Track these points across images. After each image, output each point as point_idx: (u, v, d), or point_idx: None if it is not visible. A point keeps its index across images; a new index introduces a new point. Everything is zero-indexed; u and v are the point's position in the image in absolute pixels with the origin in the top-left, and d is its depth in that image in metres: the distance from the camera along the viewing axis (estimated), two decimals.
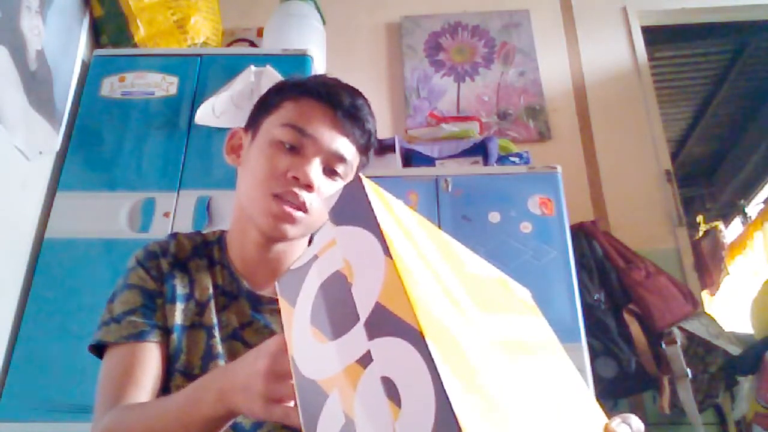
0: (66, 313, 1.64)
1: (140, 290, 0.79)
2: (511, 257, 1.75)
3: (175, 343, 0.77)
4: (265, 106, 0.83)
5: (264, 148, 0.79)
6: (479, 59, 2.72)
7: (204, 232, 0.90)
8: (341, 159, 0.79)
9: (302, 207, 0.76)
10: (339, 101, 0.79)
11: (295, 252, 0.85)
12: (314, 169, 0.76)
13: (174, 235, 0.86)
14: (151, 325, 0.76)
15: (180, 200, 1.80)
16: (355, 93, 0.82)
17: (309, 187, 0.76)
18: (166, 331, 0.77)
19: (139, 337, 0.75)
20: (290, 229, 0.77)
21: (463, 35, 2.78)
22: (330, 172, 0.79)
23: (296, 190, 0.75)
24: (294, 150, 0.77)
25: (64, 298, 1.66)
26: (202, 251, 0.85)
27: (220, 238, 0.87)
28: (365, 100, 0.83)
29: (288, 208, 0.75)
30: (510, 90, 2.63)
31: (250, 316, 0.81)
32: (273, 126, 0.79)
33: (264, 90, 1.97)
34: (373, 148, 0.86)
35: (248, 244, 0.82)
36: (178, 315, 0.79)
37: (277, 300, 0.81)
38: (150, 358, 0.74)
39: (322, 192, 0.77)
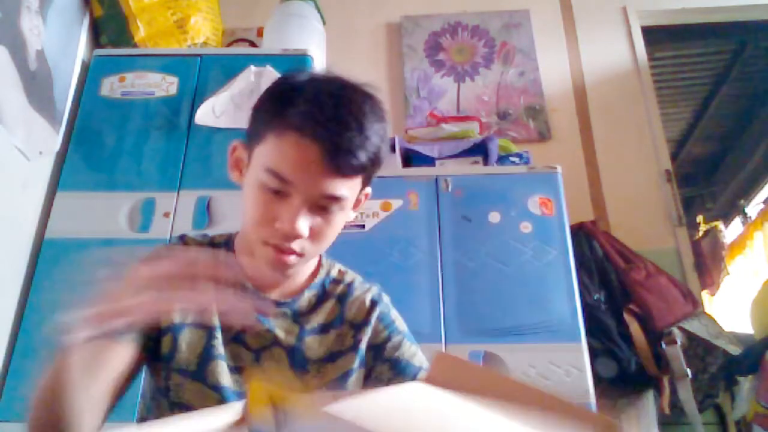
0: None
1: None
2: (511, 257, 1.75)
3: (172, 342, 0.78)
4: (255, 129, 0.77)
5: (252, 189, 0.75)
6: (479, 59, 2.72)
7: (212, 234, 0.90)
8: (332, 198, 0.73)
9: (294, 253, 0.74)
10: (324, 137, 0.69)
11: (304, 265, 0.85)
12: (301, 218, 0.71)
13: (182, 237, 0.88)
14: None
15: (180, 200, 1.80)
16: (348, 120, 0.70)
17: (297, 237, 0.72)
18: (144, 334, 0.74)
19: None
20: (286, 270, 0.78)
21: (463, 35, 2.78)
22: (322, 209, 0.74)
23: (289, 243, 0.73)
24: (280, 194, 0.72)
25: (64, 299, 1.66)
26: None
27: (228, 242, 0.88)
28: (363, 113, 0.71)
29: (281, 257, 0.74)
30: (510, 90, 2.63)
31: (254, 317, 0.81)
32: (259, 164, 0.73)
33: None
34: (379, 163, 0.77)
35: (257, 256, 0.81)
36: (176, 314, 0.79)
37: (281, 303, 0.83)
38: (118, 354, 0.71)
39: (315, 231, 0.74)
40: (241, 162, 0.80)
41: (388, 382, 0.84)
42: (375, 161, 0.75)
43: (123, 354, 0.72)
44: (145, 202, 1.80)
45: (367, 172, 0.76)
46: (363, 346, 0.86)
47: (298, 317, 0.85)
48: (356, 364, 0.85)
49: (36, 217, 1.79)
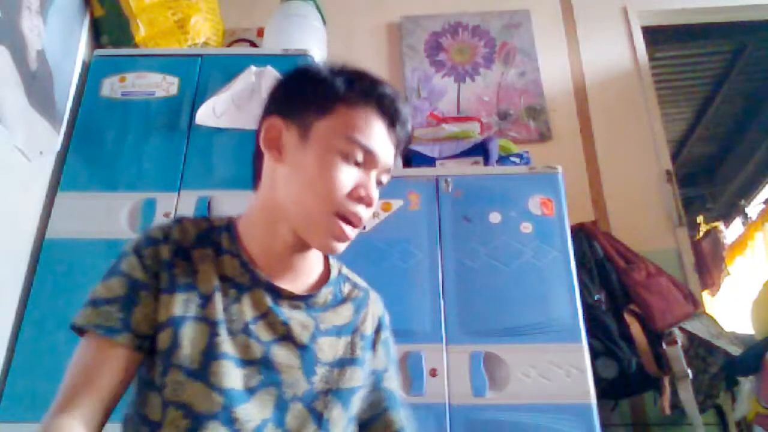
0: (66, 314, 1.62)
1: (126, 280, 0.76)
2: (511, 257, 1.75)
3: (172, 337, 0.73)
4: (309, 101, 0.79)
5: (324, 158, 0.76)
6: (480, 59, 2.72)
7: (211, 217, 0.86)
8: (389, 171, 0.81)
9: (359, 222, 0.77)
10: (397, 115, 0.79)
11: (315, 252, 0.86)
12: (374, 186, 0.78)
13: (179, 220, 0.83)
14: (124, 323, 0.73)
15: (180, 200, 1.80)
16: (401, 98, 0.81)
17: (370, 205, 0.77)
18: (137, 335, 0.74)
19: (108, 332, 0.72)
20: (342, 246, 0.79)
21: (464, 35, 2.78)
22: (378, 182, 0.81)
23: (359, 210, 0.76)
24: (355, 163, 0.77)
25: (64, 299, 1.65)
26: (207, 239, 0.82)
27: (230, 226, 0.84)
28: (405, 101, 0.85)
29: (348, 229, 0.76)
30: (510, 90, 2.63)
31: (267, 307, 0.78)
32: (330, 134, 0.76)
33: (264, 91, 1.96)
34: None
35: (276, 244, 0.81)
36: (178, 306, 0.75)
37: (296, 296, 0.81)
38: (114, 361, 0.72)
39: (374, 203, 0.79)
40: (279, 140, 0.80)
41: (383, 411, 0.88)
42: (408, 144, 0.86)
43: (121, 360, 0.73)
44: (145, 203, 1.79)
45: (402, 152, 0.84)
46: (367, 366, 0.87)
47: (314, 314, 0.82)
48: (361, 381, 0.85)
49: (36, 217, 1.79)
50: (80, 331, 0.76)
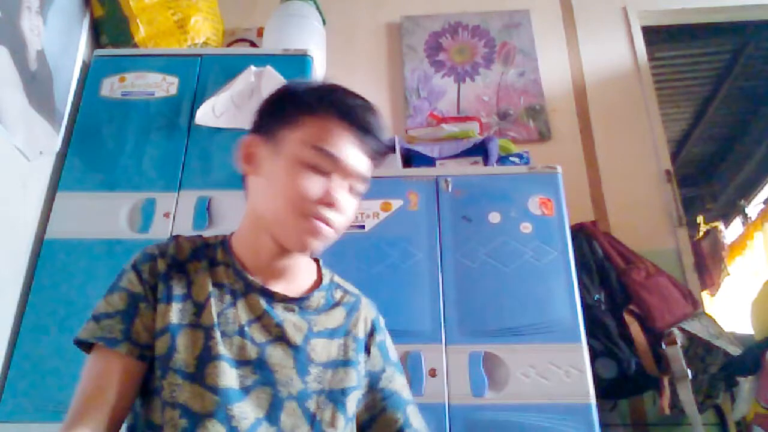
0: (66, 314, 1.63)
1: (126, 294, 0.81)
2: (511, 258, 1.75)
3: (169, 342, 0.77)
4: (280, 116, 0.83)
5: (292, 167, 0.79)
6: (479, 59, 2.72)
7: (205, 236, 0.91)
8: (364, 179, 0.83)
9: (330, 225, 0.80)
10: (364, 123, 0.81)
11: (304, 259, 0.89)
12: (342, 192, 0.80)
13: (174, 238, 0.88)
14: (125, 335, 0.77)
15: (180, 200, 1.80)
16: (374, 109, 0.84)
17: (339, 209, 0.80)
18: (138, 345, 0.78)
19: (110, 343, 0.76)
20: (316, 244, 0.80)
21: (464, 35, 2.78)
22: (350, 189, 0.83)
23: (326, 212, 0.78)
24: (323, 172, 0.79)
25: (64, 299, 1.66)
26: (202, 253, 0.86)
27: (224, 241, 0.89)
28: (379, 112, 0.85)
29: (319, 224, 0.79)
30: (510, 90, 2.63)
31: (262, 310, 0.82)
32: (298, 145, 0.80)
33: (264, 91, 1.97)
34: (383, 162, 0.89)
35: (262, 251, 0.84)
36: (174, 314, 0.79)
37: (289, 299, 0.84)
38: (120, 371, 0.76)
39: (344, 206, 0.81)
40: (254, 155, 0.84)
41: (380, 412, 0.88)
42: (386, 153, 0.86)
43: (125, 370, 0.76)
44: (145, 203, 1.80)
45: (380, 161, 0.86)
46: (361, 368, 0.88)
47: (307, 317, 0.86)
48: (355, 382, 0.86)
49: (36, 217, 1.79)
50: (85, 345, 0.79)
